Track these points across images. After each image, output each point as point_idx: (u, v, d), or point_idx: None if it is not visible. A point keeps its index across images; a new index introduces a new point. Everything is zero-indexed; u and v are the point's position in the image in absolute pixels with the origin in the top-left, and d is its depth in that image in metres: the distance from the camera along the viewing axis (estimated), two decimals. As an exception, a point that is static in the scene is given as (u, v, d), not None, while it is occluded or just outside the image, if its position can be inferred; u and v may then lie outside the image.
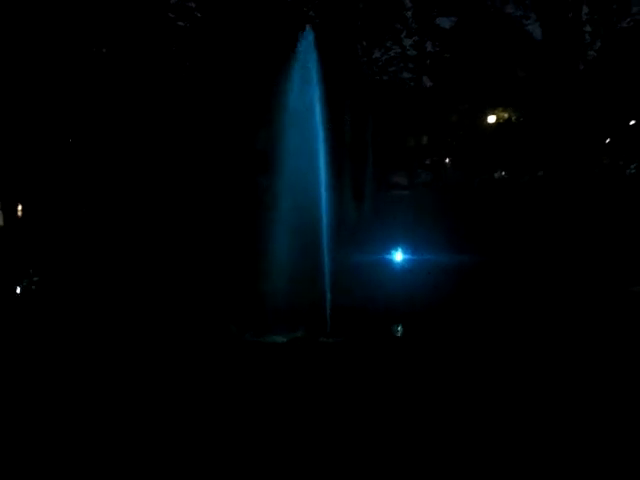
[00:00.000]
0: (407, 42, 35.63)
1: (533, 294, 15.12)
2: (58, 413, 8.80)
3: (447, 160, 43.61)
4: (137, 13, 27.69)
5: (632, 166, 35.31)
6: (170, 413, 8.83)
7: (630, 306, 14.08)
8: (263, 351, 11.73)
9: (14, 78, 25.05)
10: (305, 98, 13.53)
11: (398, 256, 18.01)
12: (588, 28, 32.67)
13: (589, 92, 31.04)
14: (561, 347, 11.32)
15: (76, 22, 26.48)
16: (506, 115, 37.22)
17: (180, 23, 30.60)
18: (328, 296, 13.29)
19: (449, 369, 10.45)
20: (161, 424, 8.53)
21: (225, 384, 9.91)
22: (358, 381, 9.95)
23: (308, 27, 13.89)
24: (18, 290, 16.42)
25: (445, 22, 35.84)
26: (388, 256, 18.07)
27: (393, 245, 18.49)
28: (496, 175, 42.26)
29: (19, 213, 28.18)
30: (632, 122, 34.88)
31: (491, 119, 37.24)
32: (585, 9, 31.91)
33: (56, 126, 26.62)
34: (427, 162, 42.95)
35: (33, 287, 16.72)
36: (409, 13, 34.41)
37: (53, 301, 15.54)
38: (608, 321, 12.86)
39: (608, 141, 35.89)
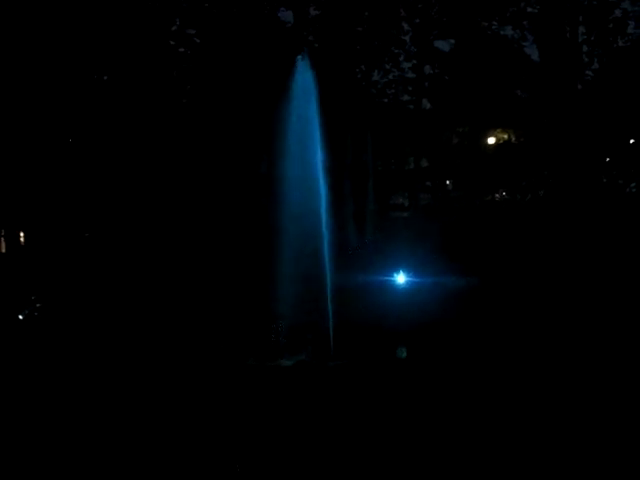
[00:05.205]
0: (406, 65, 35.85)
1: (535, 316, 15.05)
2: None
3: (448, 182, 43.65)
4: (140, 41, 27.99)
5: (632, 185, 35.30)
6: (178, 432, 8.83)
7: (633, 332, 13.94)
8: (266, 376, 11.67)
9: (18, 107, 25.31)
10: (304, 121, 13.61)
11: (399, 278, 17.99)
12: (585, 48, 32.89)
13: (588, 112, 31.16)
14: (564, 378, 11.21)
15: (80, 50, 26.80)
16: (506, 136, 37.30)
17: (181, 49, 30.98)
18: (331, 319, 13.25)
19: (450, 392, 10.40)
20: (169, 442, 8.52)
21: (227, 410, 9.85)
22: (360, 403, 9.90)
23: (305, 51, 14.01)
24: (20, 317, 16.38)
25: (443, 45, 35.98)
26: (389, 278, 18.04)
27: (394, 267, 18.47)
28: (497, 196, 42.27)
29: (21, 240, 28.22)
30: (632, 141, 34.94)
31: (491, 140, 37.35)
32: (582, 29, 32.18)
33: (59, 152, 26.77)
34: (428, 183, 42.97)
35: (36, 314, 16.68)
36: (408, 37, 34.66)
37: (56, 328, 15.49)
38: (613, 347, 12.78)
39: (608, 160, 35.92)
